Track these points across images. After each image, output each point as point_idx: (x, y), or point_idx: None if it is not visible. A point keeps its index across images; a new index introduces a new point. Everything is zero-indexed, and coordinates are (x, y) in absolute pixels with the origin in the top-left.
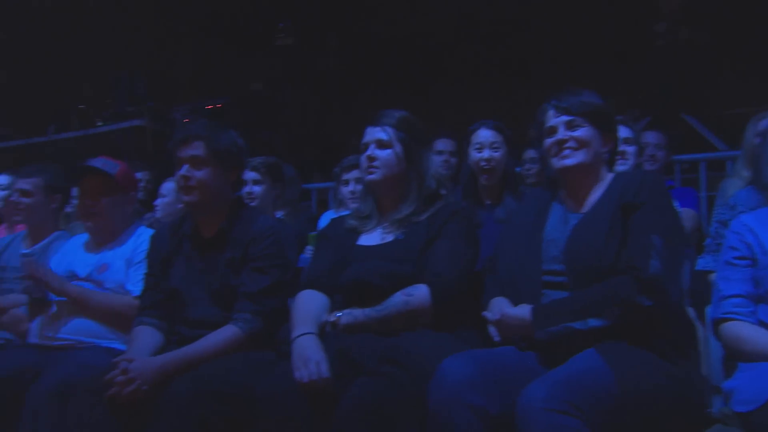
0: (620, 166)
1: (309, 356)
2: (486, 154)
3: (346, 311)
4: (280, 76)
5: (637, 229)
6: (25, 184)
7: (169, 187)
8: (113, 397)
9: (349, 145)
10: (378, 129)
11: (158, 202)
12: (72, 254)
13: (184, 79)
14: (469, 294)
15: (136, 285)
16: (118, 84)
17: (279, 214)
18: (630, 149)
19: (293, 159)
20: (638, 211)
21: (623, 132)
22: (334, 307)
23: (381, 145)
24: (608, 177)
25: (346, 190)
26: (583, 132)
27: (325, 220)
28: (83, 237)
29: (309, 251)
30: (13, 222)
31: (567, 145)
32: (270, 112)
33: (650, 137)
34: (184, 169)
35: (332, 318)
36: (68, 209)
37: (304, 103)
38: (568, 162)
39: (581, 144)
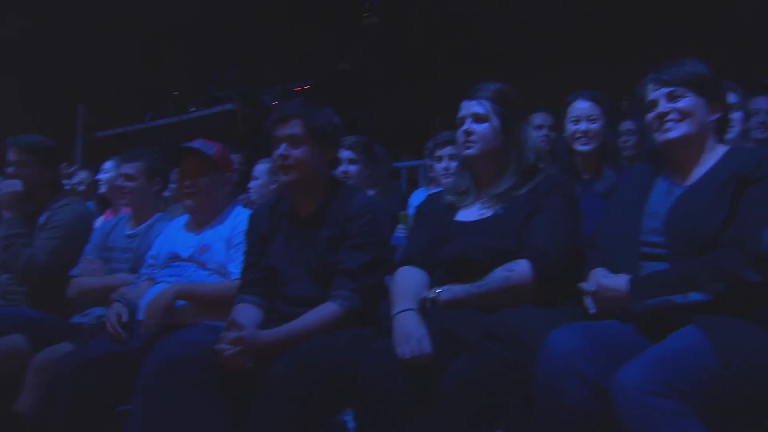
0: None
1: (410, 332)
2: (583, 126)
3: (446, 287)
4: (367, 56)
5: (750, 203)
6: (127, 168)
7: (261, 168)
8: (221, 369)
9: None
10: (474, 102)
11: (252, 184)
12: (174, 236)
13: (273, 61)
14: (571, 269)
15: (236, 265)
16: (209, 70)
17: (370, 193)
18: (736, 116)
19: (381, 138)
20: (755, 185)
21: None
22: (434, 283)
23: (477, 118)
24: (719, 149)
25: (439, 167)
26: (685, 102)
27: (415, 199)
28: (183, 218)
29: (401, 230)
30: (119, 205)
31: (669, 117)
32: (357, 92)
33: (760, 103)
34: (282, 148)
35: (432, 294)
36: (166, 193)
37: (391, 81)
38: (671, 135)
39: (684, 115)
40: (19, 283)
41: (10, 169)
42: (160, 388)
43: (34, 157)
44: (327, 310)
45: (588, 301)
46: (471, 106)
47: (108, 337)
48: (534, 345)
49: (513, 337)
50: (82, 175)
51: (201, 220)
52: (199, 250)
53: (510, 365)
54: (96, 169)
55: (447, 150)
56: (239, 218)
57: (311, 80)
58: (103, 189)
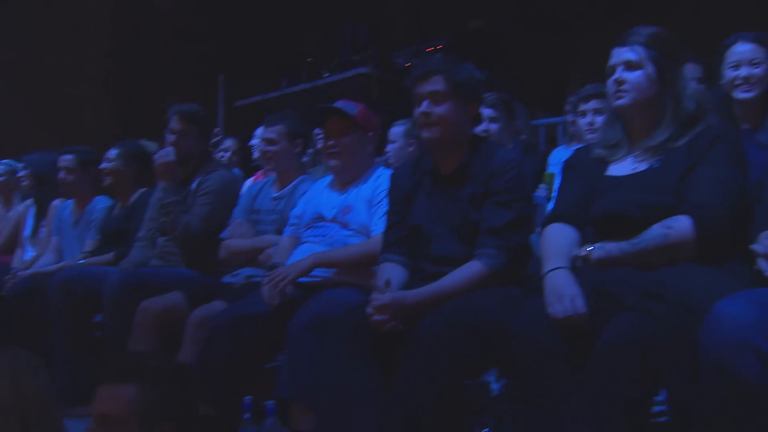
0: None
1: (563, 291)
2: (744, 71)
3: (598, 245)
4: (500, 12)
5: None
6: (269, 133)
7: (397, 131)
8: (369, 328)
9: (573, 79)
10: (626, 49)
11: (389, 147)
12: (318, 197)
13: (405, 23)
14: (738, 225)
15: (378, 225)
16: (342, 34)
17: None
18: None
19: (517, 96)
20: None
21: None
22: (585, 240)
23: (630, 66)
24: None
25: (583, 122)
26: None
27: (555, 157)
28: (327, 179)
29: (543, 190)
30: (269, 168)
31: None
32: (491, 50)
33: None
34: (424, 106)
35: (583, 252)
36: (304, 158)
37: (525, 38)
38: None
39: None
40: (176, 246)
41: (171, 137)
42: (309, 345)
43: (194, 126)
44: (473, 269)
45: (762, 264)
46: (622, 53)
47: (258, 297)
48: (699, 307)
49: (675, 297)
50: (228, 143)
51: (345, 180)
52: (342, 210)
53: (671, 326)
54: (238, 138)
55: (592, 104)
56: (381, 178)
57: (444, 40)
58: (255, 154)
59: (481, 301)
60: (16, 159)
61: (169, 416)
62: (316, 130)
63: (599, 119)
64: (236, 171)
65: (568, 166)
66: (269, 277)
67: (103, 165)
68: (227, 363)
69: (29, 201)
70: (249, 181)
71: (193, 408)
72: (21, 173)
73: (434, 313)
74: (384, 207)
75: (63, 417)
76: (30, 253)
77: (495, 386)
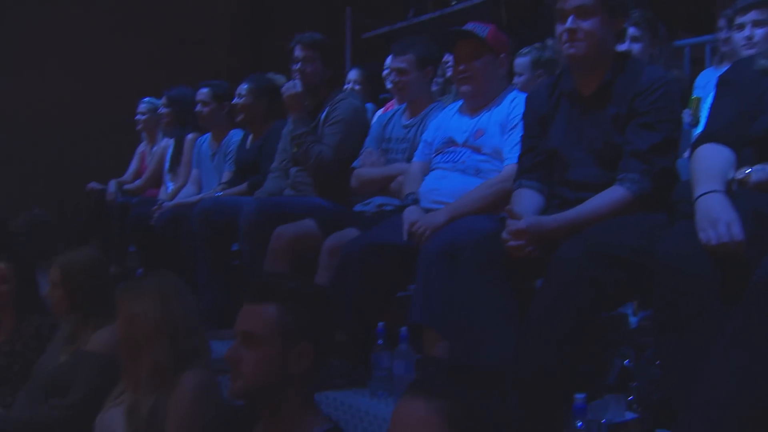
0: None
1: (718, 216)
2: None
3: (758, 167)
4: None
5: None
6: (399, 62)
7: (523, 63)
8: (504, 255)
9: None
10: None
11: (516, 80)
12: (449, 121)
13: None
14: None
15: (512, 150)
16: None
17: None
18: None
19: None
20: None
21: None
22: (742, 162)
23: None
24: None
25: (739, 37)
26: None
27: (703, 80)
28: (457, 104)
29: (687, 115)
30: (400, 99)
31: None
32: None
33: None
34: (570, 21)
35: (741, 175)
36: (434, 88)
37: None
38: None
39: None
40: (308, 175)
41: (296, 65)
42: (441, 272)
43: (317, 53)
44: (614, 194)
45: None
46: None
47: (389, 225)
48: None
49: None
50: (354, 75)
51: (476, 105)
52: (474, 134)
53: None
54: (365, 69)
55: (751, 15)
56: (515, 101)
57: None
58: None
59: (622, 227)
60: (155, 97)
61: (307, 336)
62: (446, 57)
63: (759, 32)
64: (369, 106)
65: (723, 81)
66: (408, 233)
67: (235, 101)
68: (359, 289)
69: (169, 137)
70: (379, 113)
71: (330, 330)
72: (162, 110)
73: (573, 240)
74: (518, 133)
75: (207, 337)
76: (171, 186)
77: (633, 319)
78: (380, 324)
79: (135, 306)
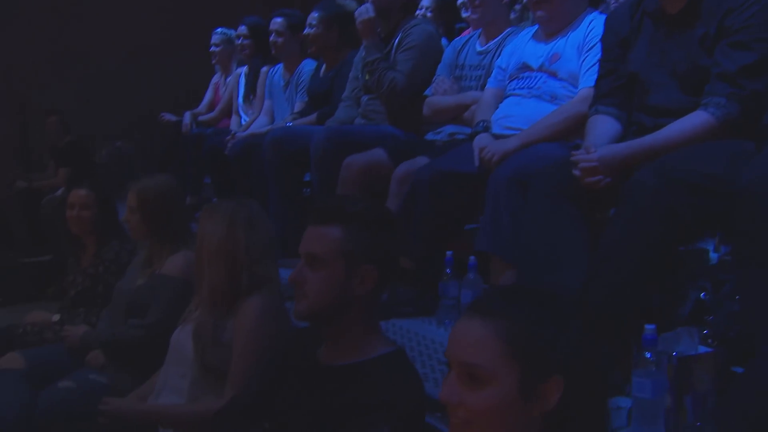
0: None
1: None
2: None
3: None
4: None
5: None
6: None
7: None
8: (574, 186)
9: None
10: None
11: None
12: (524, 46)
13: None
14: None
15: (589, 74)
16: None
17: None
18: None
19: None
20: None
21: None
22: None
23: None
24: None
25: None
26: None
27: None
28: (533, 29)
29: None
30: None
31: None
32: None
33: None
34: None
35: None
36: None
37: None
38: None
39: None
40: (380, 103)
41: None
42: (511, 199)
43: None
44: (697, 119)
45: None
46: None
47: (460, 153)
48: None
49: None
50: (429, 1)
51: (552, 29)
52: (550, 58)
53: None
54: None
55: None
56: (594, 23)
57: None
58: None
59: (704, 154)
60: (229, 27)
61: (371, 258)
62: None
63: None
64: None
65: None
66: (477, 155)
67: (306, 31)
68: (429, 217)
69: (243, 67)
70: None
71: (395, 254)
72: (240, 40)
73: (649, 167)
74: (595, 56)
75: (277, 265)
76: (244, 116)
77: (714, 255)
78: (448, 253)
79: (205, 226)
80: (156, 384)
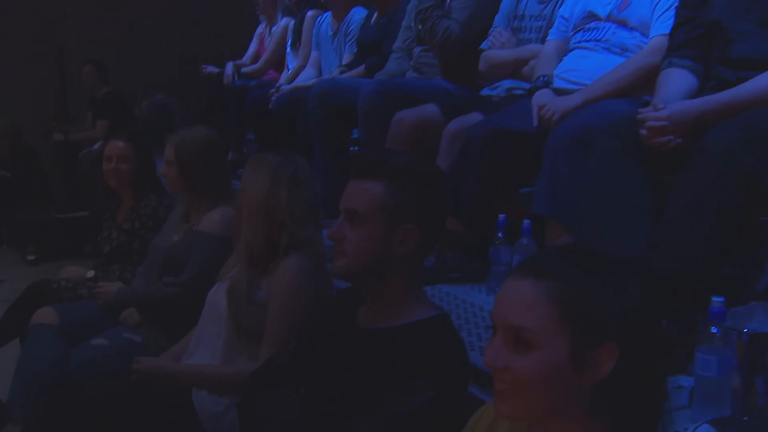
0: None
1: None
2: None
3: None
4: None
5: None
6: None
7: None
8: (641, 145)
9: None
10: None
11: None
12: None
13: None
14: None
15: (659, 20)
16: None
17: None
18: None
19: None
20: None
21: None
22: None
23: None
24: None
25: None
26: None
27: None
28: None
29: None
30: None
31: None
32: None
33: None
34: None
35: None
36: None
37: None
38: None
39: None
40: (433, 55)
41: None
42: (570, 159)
43: None
44: None
45: None
46: None
47: (517, 110)
48: None
49: None
50: None
51: None
52: (618, 6)
53: None
54: None
55: None
56: None
57: None
58: None
59: None
60: None
61: (414, 217)
62: None
63: None
64: None
65: None
66: (537, 117)
67: None
68: (481, 177)
69: (291, 19)
70: None
71: (441, 214)
72: None
73: (727, 124)
74: (669, 0)
75: (321, 225)
76: (291, 67)
77: None
78: (501, 216)
79: (248, 179)
80: (190, 344)
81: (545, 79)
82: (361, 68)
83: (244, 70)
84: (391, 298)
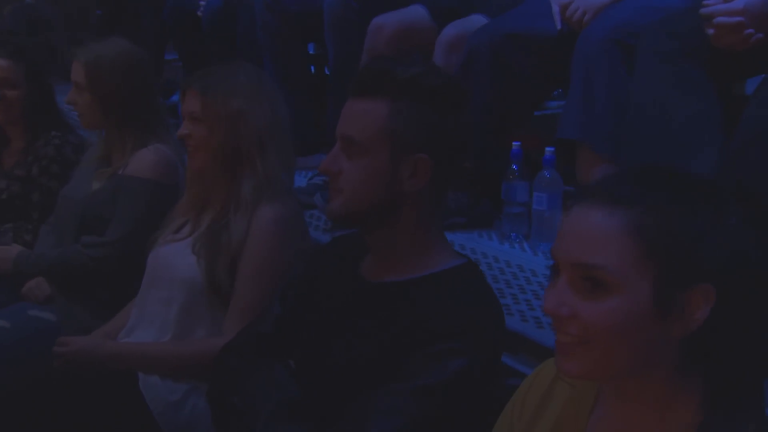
0: None
1: None
2: None
3: None
4: None
5: None
6: None
7: None
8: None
9: None
10: None
11: None
12: None
13: None
14: None
15: None
16: None
17: None
18: None
19: None
20: None
21: None
22: None
23: None
24: None
25: None
26: None
27: None
28: None
29: None
30: None
31: None
32: None
33: None
34: None
35: None
36: None
37: None
38: None
39: None
40: None
41: None
42: (607, 68)
43: None
44: None
45: None
46: None
47: (532, 8)
48: None
49: None
50: None
51: None
52: None
53: None
54: None
55: None
56: None
57: None
58: None
59: None
60: None
61: (427, 145)
62: None
63: None
64: None
65: None
66: (559, 12)
67: None
68: (489, 95)
69: None
70: None
71: (461, 140)
72: None
73: None
74: None
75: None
76: None
77: None
78: (515, 144)
79: (192, 103)
80: (129, 319)
81: None
82: None
83: None
84: (402, 245)
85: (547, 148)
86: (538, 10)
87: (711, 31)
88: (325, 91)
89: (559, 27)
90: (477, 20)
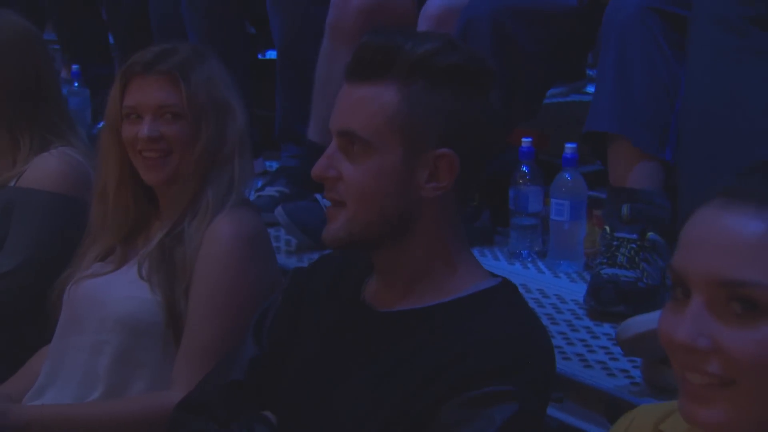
0: None
1: None
2: None
3: None
4: None
5: None
6: None
7: None
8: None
9: None
10: None
11: None
12: None
13: None
14: None
15: None
16: None
17: None
18: None
19: None
20: None
21: None
22: None
23: None
24: None
25: None
26: None
27: None
28: None
29: None
30: None
31: None
32: None
33: None
34: None
35: None
36: None
37: None
38: None
39: None
40: None
41: None
42: (648, 46)
43: None
44: None
45: None
46: None
47: None
48: None
49: None
50: None
51: None
52: None
53: None
54: None
55: None
56: None
57: None
58: None
59: None
60: None
61: (450, 138)
62: None
63: None
64: None
65: None
66: None
67: None
68: None
69: None
70: None
71: (491, 132)
72: None
73: None
74: None
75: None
76: None
77: None
78: (525, 140)
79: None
80: (40, 375)
81: None
82: None
83: None
84: (421, 262)
85: (568, 145)
86: None
87: None
88: (264, 79)
89: None
90: None
